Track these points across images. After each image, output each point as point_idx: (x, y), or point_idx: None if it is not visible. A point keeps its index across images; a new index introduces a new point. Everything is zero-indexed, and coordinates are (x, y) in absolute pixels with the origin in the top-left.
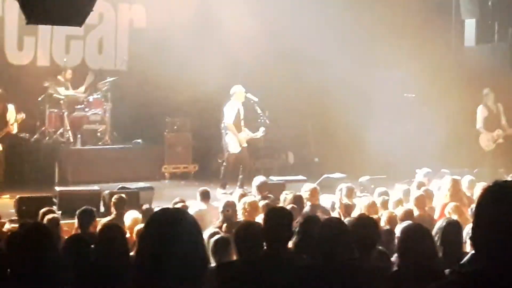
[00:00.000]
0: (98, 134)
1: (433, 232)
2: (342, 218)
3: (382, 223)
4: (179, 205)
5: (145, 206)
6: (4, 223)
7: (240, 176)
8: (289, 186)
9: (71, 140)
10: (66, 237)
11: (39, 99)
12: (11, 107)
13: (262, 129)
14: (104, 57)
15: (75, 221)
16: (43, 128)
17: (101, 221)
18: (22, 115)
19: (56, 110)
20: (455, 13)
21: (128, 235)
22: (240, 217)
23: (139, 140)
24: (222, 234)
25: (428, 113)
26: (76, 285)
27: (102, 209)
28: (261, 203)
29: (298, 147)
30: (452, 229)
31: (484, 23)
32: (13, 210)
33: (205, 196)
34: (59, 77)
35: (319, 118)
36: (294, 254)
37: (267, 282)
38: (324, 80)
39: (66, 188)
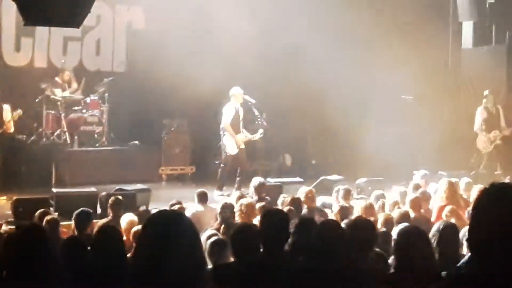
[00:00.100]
0: (95, 135)
1: (430, 234)
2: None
3: (379, 225)
4: (176, 207)
5: (142, 208)
6: (0, 225)
7: (238, 178)
8: (286, 188)
9: (68, 141)
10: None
11: (36, 100)
12: (6, 107)
13: (260, 130)
14: (102, 59)
15: (72, 223)
16: (40, 130)
17: (98, 223)
18: (19, 111)
19: (53, 112)
20: (453, 16)
21: (124, 237)
22: (237, 218)
23: (137, 142)
24: (219, 236)
25: (425, 115)
26: (73, 287)
27: (99, 210)
28: (258, 205)
29: (295, 149)
30: (449, 231)
31: (481, 26)
32: (9, 212)
33: (203, 198)
34: (56, 78)
35: (316, 120)
36: (291, 256)
37: (263, 284)
38: (322, 82)
39: (63, 189)
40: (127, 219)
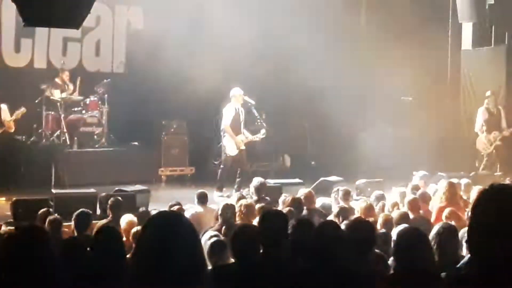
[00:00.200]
0: (95, 136)
1: (430, 236)
2: (339, 222)
3: (378, 226)
4: (175, 208)
5: (141, 209)
6: (0, 226)
7: (238, 179)
8: (285, 189)
9: (68, 142)
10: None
11: (36, 101)
12: (4, 107)
13: (262, 131)
14: (101, 60)
15: (72, 223)
16: (40, 130)
17: (98, 224)
18: (22, 109)
19: (53, 113)
20: (452, 17)
21: (123, 238)
22: (237, 219)
23: (136, 143)
24: (220, 237)
25: (425, 116)
26: None
27: (98, 211)
28: (257, 206)
29: (294, 150)
30: (449, 232)
31: (481, 27)
32: (9, 213)
33: (202, 199)
34: (56, 79)
35: (316, 121)
36: (290, 257)
37: (263, 285)
38: (322, 83)
39: (63, 190)
40: (127, 219)
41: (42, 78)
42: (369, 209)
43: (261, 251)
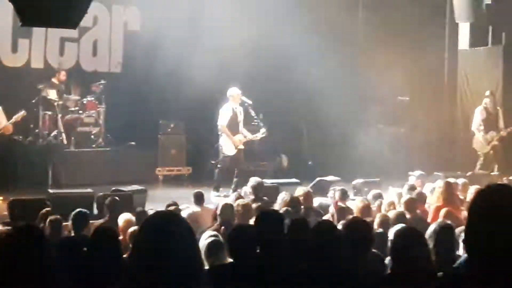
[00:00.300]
0: (92, 136)
1: (427, 235)
2: (335, 221)
3: (375, 226)
4: (172, 208)
5: (138, 209)
6: None
7: (235, 179)
8: (282, 189)
9: (65, 142)
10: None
11: (33, 101)
12: None
13: (263, 130)
14: (99, 60)
15: (69, 223)
16: (36, 130)
17: (95, 224)
18: (23, 112)
19: (50, 112)
20: (450, 17)
21: (120, 237)
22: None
23: (133, 143)
24: (219, 237)
25: (422, 116)
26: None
27: (95, 211)
28: (254, 205)
29: (292, 150)
30: (445, 232)
31: (478, 27)
32: (6, 213)
33: (199, 199)
34: (53, 79)
35: (313, 121)
36: (287, 257)
37: (260, 285)
38: (319, 83)
39: (60, 190)
40: (124, 218)
41: (39, 78)
42: (366, 208)
43: (257, 251)
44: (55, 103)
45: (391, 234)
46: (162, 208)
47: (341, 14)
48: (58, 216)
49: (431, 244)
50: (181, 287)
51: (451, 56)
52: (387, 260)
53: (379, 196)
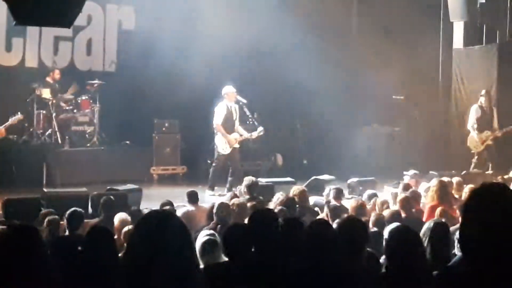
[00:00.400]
0: (87, 135)
1: (421, 233)
2: (330, 220)
3: (370, 225)
4: (167, 207)
5: (133, 208)
6: None
7: (230, 178)
8: (277, 188)
9: (59, 141)
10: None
11: (27, 100)
12: None
13: (260, 128)
14: (93, 59)
15: (64, 222)
16: (31, 130)
17: (89, 223)
18: (19, 116)
19: (44, 112)
20: (444, 16)
21: (115, 236)
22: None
23: (128, 142)
24: (216, 236)
25: (416, 115)
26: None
27: (90, 210)
28: (249, 204)
29: (286, 149)
30: (440, 230)
31: (472, 25)
32: (0, 212)
33: (193, 198)
34: (47, 78)
35: (308, 120)
36: (282, 256)
37: (255, 284)
38: (313, 82)
39: (54, 189)
40: (119, 217)
41: (33, 77)
42: (360, 207)
43: (252, 249)
44: (49, 102)
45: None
46: (157, 207)
47: (335, 14)
48: (56, 216)
49: (425, 243)
50: (176, 286)
51: (446, 55)
52: (382, 259)
53: (374, 196)
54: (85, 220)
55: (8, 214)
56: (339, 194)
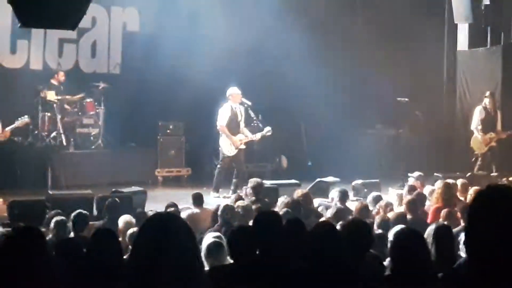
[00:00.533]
0: (91, 137)
1: (425, 235)
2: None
3: (375, 227)
4: (171, 209)
5: (138, 210)
6: None
7: (234, 180)
8: (282, 190)
9: (64, 143)
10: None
11: (32, 102)
12: None
13: (267, 128)
14: (97, 61)
15: (69, 224)
16: (36, 132)
17: (94, 225)
18: (26, 119)
19: (49, 114)
20: (448, 17)
21: (120, 238)
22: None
23: (132, 144)
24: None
25: (421, 117)
26: None
27: (95, 213)
28: (254, 207)
29: (291, 151)
30: (445, 233)
31: (477, 27)
32: (5, 214)
33: (198, 200)
34: (52, 80)
35: (312, 122)
36: (286, 258)
37: (259, 286)
38: (318, 84)
39: (59, 191)
40: (124, 219)
41: (38, 79)
42: (364, 209)
43: (257, 252)
44: (54, 105)
45: (391, 235)
46: (161, 209)
47: (340, 15)
48: (64, 218)
49: (430, 245)
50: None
51: (450, 57)
52: (387, 261)
53: (378, 198)
54: (90, 222)
55: (13, 216)
56: (344, 196)
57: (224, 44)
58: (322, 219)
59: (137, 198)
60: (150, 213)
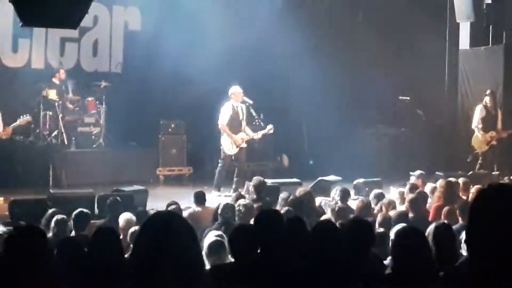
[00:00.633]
0: (93, 136)
1: (426, 234)
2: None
3: (376, 226)
4: (173, 208)
5: (139, 209)
6: None
7: (235, 179)
8: (283, 189)
9: (66, 142)
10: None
11: (34, 101)
12: None
13: (270, 126)
14: (99, 60)
15: (70, 223)
16: (37, 131)
17: (96, 224)
18: (27, 118)
19: (50, 113)
20: (450, 16)
21: (121, 237)
22: (236, 219)
23: (134, 143)
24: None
25: (422, 115)
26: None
27: (96, 211)
28: (256, 205)
29: (292, 149)
30: (446, 231)
31: (478, 26)
32: (7, 213)
33: (200, 199)
34: (53, 79)
35: (313, 121)
36: (287, 257)
37: (261, 285)
38: (319, 83)
39: (61, 190)
40: (125, 218)
41: (39, 78)
42: (365, 208)
43: (258, 250)
44: (56, 103)
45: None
46: (163, 208)
47: (341, 14)
48: (64, 216)
49: (431, 243)
50: (182, 287)
51: (452, 55)
52: (388, 260)
53: (380, 197)
54: (91, 221)
55: (14, 215)
56: (345, 195)
57: (225, 43)
58: (324, 217)
59: (139, 197)
60: (152, 212)
